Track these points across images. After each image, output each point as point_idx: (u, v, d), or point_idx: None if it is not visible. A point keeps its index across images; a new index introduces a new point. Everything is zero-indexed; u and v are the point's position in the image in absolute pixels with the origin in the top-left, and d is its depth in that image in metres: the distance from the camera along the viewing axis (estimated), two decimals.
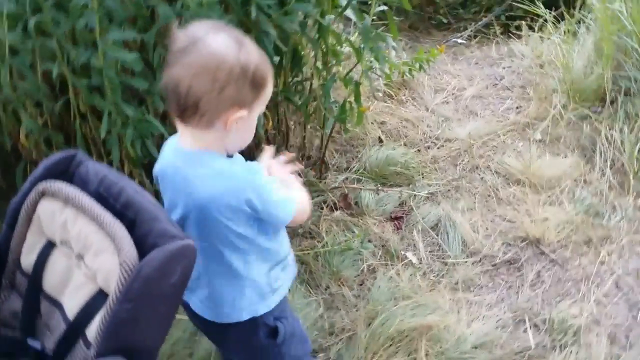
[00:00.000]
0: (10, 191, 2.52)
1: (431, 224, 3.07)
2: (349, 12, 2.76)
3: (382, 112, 3.85)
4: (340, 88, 3.39)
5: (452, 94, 4.15)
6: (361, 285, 2.75)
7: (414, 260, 2.87)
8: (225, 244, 1.55)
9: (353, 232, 2.97)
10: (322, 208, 3.12)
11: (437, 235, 3.01)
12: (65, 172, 1.56)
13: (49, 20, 2.15)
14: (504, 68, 4.45)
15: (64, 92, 2.45)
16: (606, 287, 2.70)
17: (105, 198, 1.45)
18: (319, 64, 2.97)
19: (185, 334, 2.42)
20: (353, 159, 3.49)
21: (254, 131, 1.56)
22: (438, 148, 3.61)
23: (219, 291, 1.65)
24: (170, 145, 1.60)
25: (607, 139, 3.44)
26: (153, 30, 2.25)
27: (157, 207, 1.42)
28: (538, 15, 4.43)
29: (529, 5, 4.50)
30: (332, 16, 2.77)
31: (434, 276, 2.78)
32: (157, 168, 1.62)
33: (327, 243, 2.88)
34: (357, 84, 2.99)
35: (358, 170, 3.39)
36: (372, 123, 3.72)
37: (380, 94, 4.01)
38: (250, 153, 1.73)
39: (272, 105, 2.94)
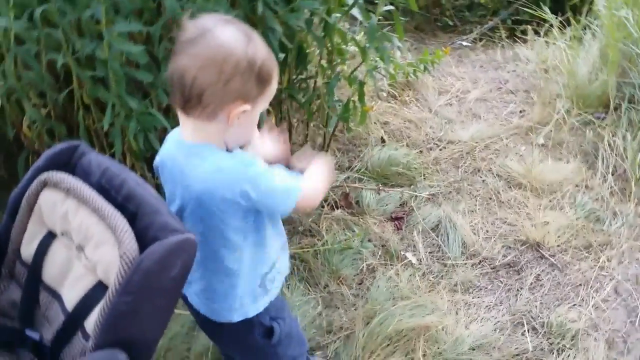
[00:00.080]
0: (12, 181, 2.53)
1: (431, 225, 3.07)
2: (355, 11, 2.76)
3: (386, 112, 3.85)
4: (345, 87, 3.39)
5: (456, 97, 4.14)
6: (360, 284, 2.74)
7: (414, 260, 2.86)
8: (220, 239, 1.55)
9: (353, 231, 2.97)
10: (322, 206, 3.12)
11: (437, 237, 3.00)
12: (68, 163, 1.56)
13: (55, 10, 2.15)
14: (508, 72, 4.46)
15: (68, 83, 2.45)
16: (605, 292, 2.70)
17: (107, 190, 1.45)
18: (324, 62, 2.97)
19: (183, 329, 2.42)
20: (355, 158, 3.49)
21: (256, 128, 1.56)
22: (440, 150, 3.61)
23: (212, 286, 1.64)
24: (172, 137, 1.60)
25: (609, 145, 3.44)
26: (159, 23, 2.24)
27: (159, 200, 1.42)
28: (544, 20, 4.43)
29: (535, 10, 4.50)
30: (338, 14, 2.77)
31: (433, 277, 2.78)
32: (158, 159, 1.62)
33: (327, 241, 2.88)
34: (362, 84, 2.99)
35: (360, 170, 3.39)
36: (375, 123, 3.71)
37: (384, 94, 4.00)
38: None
39: (276, 103, 2.94)
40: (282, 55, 2.70)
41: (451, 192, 3.28)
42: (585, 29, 4.14)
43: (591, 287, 2.72)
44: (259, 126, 1.65)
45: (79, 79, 2.37)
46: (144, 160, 2.52)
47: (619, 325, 2.56)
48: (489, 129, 3.76)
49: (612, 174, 3.31)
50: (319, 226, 2.98)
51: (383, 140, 3.63)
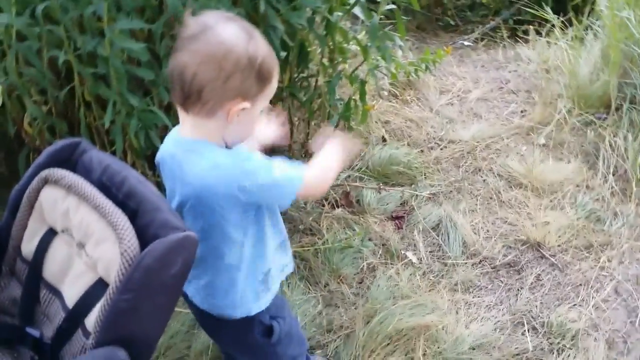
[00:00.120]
0: (13, 178, 2.53)
1: (432, 224, 3.06)
2: (357, 10, 2.76)
3: (387, 112, 3.85)
4: (346, 86, 3.39)
5: (457, 96, 4.14)
6: (360, 283, 2.74)
7: (414, 260, 2.86)
8: (220, 235, 1.54)
9: (354, 230, 2.97)
10: (323, 205, 3.12)
11: (438, 236, 3.00)
12: (69, 160, 1.56)
13: (57, 7, 2.15)
14: (510, 72, 4.45)
15: (69, 80, 2.45)
16: (605, 292, 2.70)
17: (108, 187, 1.45)
18: (325, 61, 2.97)
19: (183, 327, 2.42)
20: (356, 157, 3.49)
21: (255, 127, 1.56)
22: (441, 149, 3.60)
23: (213, 282, 1.64)
24: (172, 134, 1.60)
25: (610, 145, 3.44)
26: (161, 21, 2.24)
27: (160, 198, 1.42)
28: (546, 20, 4.42)
29: (537, 10, 4.50)
30: (340, 13, 2.77)
31: (433, 276, 2.78)
32: (158, 156, 1.62)
33: (327, 240, 2.88)
34: (363, 82, 2.99)
35: (361, 169, 3.39)
36: (376, 122, 3.71)
37: (386, 93, 4.00)
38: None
39: (277, 101, 2.94)
40: (283, 54, 2.70)
41: (452, 192, 3.28)
42: (587, 29, 4.13)
43: (591, 287, 2.72)
44: None
45: (81, 76, 2.36)
46: (145, 158, 2.52)
47: (619, 325, 2.56)
48: (490, 128, 3.76)
49: (613, 175, 3.31)
50: (319, 225, 2.98)
51: (384, 139, 3.63)
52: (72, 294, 1.45)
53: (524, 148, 3.59)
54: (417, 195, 3.23)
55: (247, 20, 1.46)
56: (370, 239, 2.95)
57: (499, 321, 2.57)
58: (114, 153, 2.39)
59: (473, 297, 2.68)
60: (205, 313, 1.71)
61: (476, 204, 3.19)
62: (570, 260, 2.84)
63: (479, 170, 3.43)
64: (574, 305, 2.64)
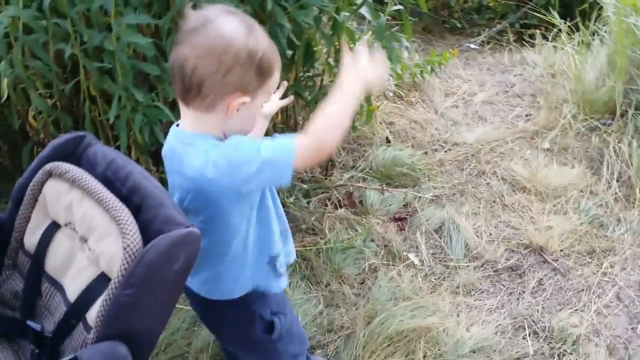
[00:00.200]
0: (17, 171, 2.53)
1: (435, 226, 3.06)
2: (364, 10, 2.76)
3: (391, 113, 3.85)
4: None
5: (462, 99, 4.14)
6: (362, 284, 2.74)
7: (416, 261, 2.86)
8: (223, 225, 1.53)
9: (356, 230, 2.97)
10: (326, 205, 3.11)
11: (440, 238, 3.00)
12: (73, 153, 1.56)
13: (64, 0, 2.15)
14: (515, 75, 4.45)
15: (75, 74, 2.45)
16: (607, 298, 2.69)
17: (112, 182, 1.45)
18: (331, 60, 2.97)
19: (184, 324, 2.42)
20: (360, 157, 3.49)
21: (255, 122, 1.55)
22: (445, 151, 3.60)
23: (219, 273, 1.62)
24: (174, 127, 1.59)
25: (615, 151, 3.44)
26: (168, 16, 2.24)
27: (164, 193, 1.42)
28: (553, 25, 4.42)
29: (544, 15, 4.49)
30: (347, 13, 2.77)
31: (435, 278, 2.77)
32: (162, 151, 1.61)
33: (329, 240, 2.88)
34: None
35: (364, 169, 3.39)
36: (380, 123, 3.71)
37: (391, 95, 4.00)
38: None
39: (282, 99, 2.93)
40: (289, 52, 2.69)
41: (455, 194, 3.27)
42: (593, 34, 4.13)
43: (593, 292, 2.72)
44: None
45: (86, 70, 2.36)
46: (149, 153, 2.52)
47: (620, 331, 2.55)
48: (494, 132, 3.76)
49: (617, 180, 3.30)
50: (322, 225, 2.98)
51: (388, 141, 3.63)
52: (73, 288, 1.45)
53: (528, 152, 3.59)
54: (420, 197, 3.23)
55: (254, 18, 1.45)
56: (372, 240, 2.94)
57: (500, 325, 2.56)
58: (118, 148, 2.38)
59: (474, 300, 2.68)
60: (207, 308, 1.71)
61: (479, 207, 3.18)
62: (572, 266, 2.84)
63: (483, 173, 3.43)
64: (576, 310, 2.63)
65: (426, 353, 2.39)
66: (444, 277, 2.78)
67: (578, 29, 4.26)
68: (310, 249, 2.82)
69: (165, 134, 1.59)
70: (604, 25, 4.09)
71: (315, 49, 2.91)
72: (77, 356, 1.24)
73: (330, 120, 1.45)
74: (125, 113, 2.32)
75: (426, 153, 3.58)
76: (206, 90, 1.39)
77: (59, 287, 1.51)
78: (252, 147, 1.40)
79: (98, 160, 1.52)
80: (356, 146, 3.57)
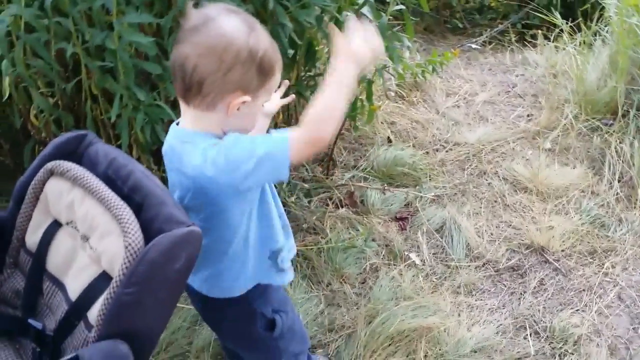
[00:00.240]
0: (18, 170, 2.53)
1: (436, 226, 3.06)
2: (365, 10, 2.75)
3: (393, 113, 3.85)
4: None
5: (464, 99, 4.14)
6: (363, 283, 2.74)
7: (417, 261, 2.86)
8: (223, 222, 1.53)
9: (357, 230, 2.97)
10: (327, 205, 3.11)
11: (442, 238, 3.00)
12: (75, 152, 1.56)
13: None
14: (517, 76, 4.45)
15: (76, 73, 2.45)
16: (608, 298, 2.69)
17: (114, 180, 1.45)
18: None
19: (185, 323, 2.42)
20: (361, 157, 3.49)
21: (256, 121, 1.54)
22: (447, 151, 3.60)
23: (220, 270, 1.62)
24: (174, 125, 1.59)
25: (616, 151, 3.44)
26: (170, 15, 2.24)
27: (165, 192, 1.42)
28: (554, 25, 4.41)
29: (546, 15, 4.49)
30: (349, 13, 2.76)
31: (436, 278, 2.77)
32: (162, 149, 1.61)
33: (330, 240, 2.87)
34: (370, 82, 2.98)
35: (365, 169, 3.39)
36: (382, 123, 3.71)
37: (392, 94, 4.00)
38: None
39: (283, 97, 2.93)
40: (291, 52, 2.69)
41: (456, 194, 3.27)
42: (595, 35, 4.12)
43: (594, 292, 2.71)
44: None
45: (88, 69, 2.36)
46: (150, 152, 2.52)
47: (621, 331, 2.55)
48: (496, 132, 3.76)
49: (619, 181, 3.30)
50: (323, 224, 2.98)
51: (389, 140, 3.62)
52: (75, 286, 1.45)
53: (529, 152, 3.59)
54: (421, 196, 3.23)
55: (255, 17, 1.45)
56: (373, 240, 2.94)
57: (501, 325, 2.56)
58: (119, 147, 2.38)
59: (476, 300, 2.68)
60: (208, 305, 1.71)
61: (480, 207, 3.18)
62: (573, 266, 2.84)
63: (484, 173, 3.43)
64: (577, 310, 2.63)
65: (427, 353, 2.39)
66: (445, 277, 2.78)
67: (580, 30, 4.25)
68: (312, 249, 2.82)
69: (167, 133, 1.59)
70: (605, 26, 4.09)
71: (316, 48, 2.91)
72: (79, 355, 1.24)
73: (324, 111, 1.41)
74: (126, 112, 2.32)
75: (427, 153, 3.58)
76: (207, 88, 1.39)
77: (60, 285, 1.51)
78: (249, 144, 1.39)
79: (99, 159, 1.52)
80: (357, 146, 3.57)
